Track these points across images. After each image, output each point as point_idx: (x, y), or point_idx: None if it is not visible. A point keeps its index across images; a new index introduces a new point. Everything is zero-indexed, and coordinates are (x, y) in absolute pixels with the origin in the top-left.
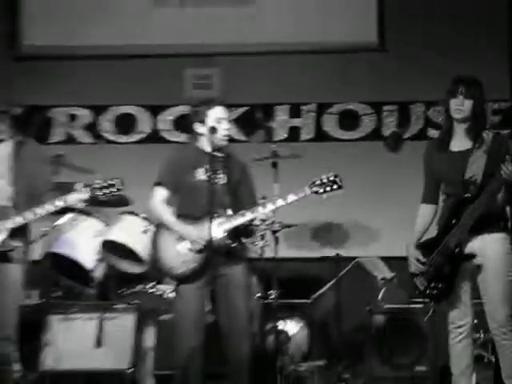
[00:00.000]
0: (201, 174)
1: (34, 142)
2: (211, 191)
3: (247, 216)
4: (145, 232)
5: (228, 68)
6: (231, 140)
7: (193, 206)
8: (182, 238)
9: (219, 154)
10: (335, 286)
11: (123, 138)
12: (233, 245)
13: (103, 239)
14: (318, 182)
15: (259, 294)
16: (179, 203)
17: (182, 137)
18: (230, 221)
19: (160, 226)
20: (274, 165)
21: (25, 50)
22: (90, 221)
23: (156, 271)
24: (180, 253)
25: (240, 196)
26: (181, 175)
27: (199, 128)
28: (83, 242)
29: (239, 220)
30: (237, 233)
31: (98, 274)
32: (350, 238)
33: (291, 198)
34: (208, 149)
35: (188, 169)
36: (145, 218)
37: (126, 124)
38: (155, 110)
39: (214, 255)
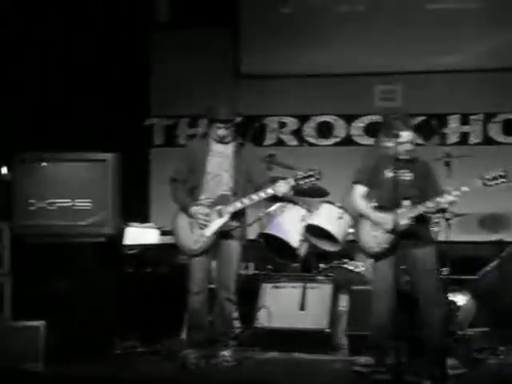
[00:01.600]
0: (388, 173)
1: (251, 145)
2: (396, 187)
3: (428, 205)
4: (340, 218)
5: (409, 84)
6: (412, 143)
7: (384, 198)
8: (376, 224)
9: (404, 157)
10: (498, 265)
11: (322, 142)
12: (412, 229)
13: (307, 223)
14: (487, 176)
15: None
16: (374, 197)
17: (370, 141)
18: (413, 210)
19: (360, 216)
20: (448, 164)
21: (246, 69)
22: (295, 208)
23: (358, 250)
24: (375, 236)
25: (425, 189)
26: (373, 175)
27: (387, 134)
28: (290, 225)
29: (420, 209)
30: (419, 219)
31: (303, 251)
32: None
33: (464, 189)
34: (394, 152)
35: (379, 169)
36: (340, 207)
37: (325, 130)
38: (349, 119)
39: (400, 238)
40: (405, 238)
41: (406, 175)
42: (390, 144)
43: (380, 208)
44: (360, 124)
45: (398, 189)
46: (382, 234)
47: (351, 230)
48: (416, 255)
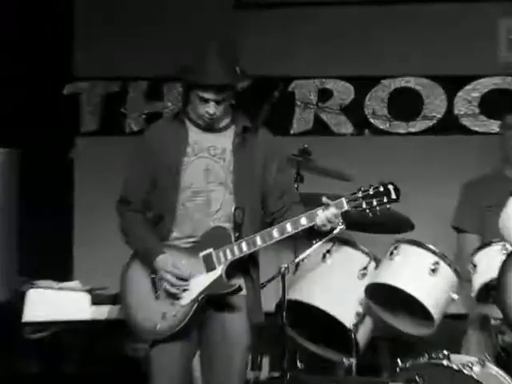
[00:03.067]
0: None
1: (267, 132)
2: None
3: None
4: (433, 272)
5: None
6: None
7: None
8: None
9: None
10: None
11: (399, 127)
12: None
13: (371, 282)
14: None
15: None
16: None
17: (493, 125)
18: None
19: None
20: None
21: None
22: (350, 253)
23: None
24: None
25: None
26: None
27: None
28: (338, 284)
29: None
30: None
31: (363, 335)
32: None
33: None
34: None
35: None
36: (434, 252)
37: (403, 105)
38: (451, 83)
39: None
40: None
41: None
42: None
43: None
44: (473, 94)
45: None
46: None
47: (455, 297)
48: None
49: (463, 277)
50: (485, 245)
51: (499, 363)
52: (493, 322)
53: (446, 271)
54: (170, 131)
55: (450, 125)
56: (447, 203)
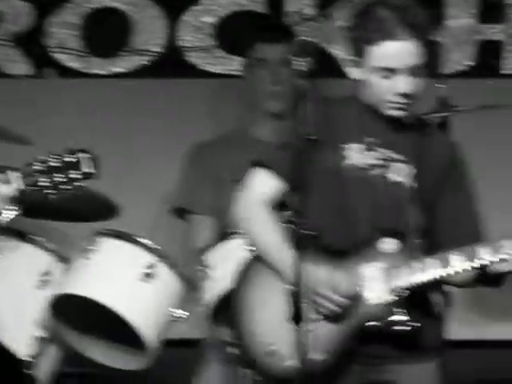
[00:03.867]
0: (351, 156)
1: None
2: (367, 198)
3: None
4: (148, 278)
5: None
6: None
7: (339, 227)
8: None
9: (394, 113)
10: None
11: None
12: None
13: (56, 294)
14: None
15: None
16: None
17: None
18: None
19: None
20: None
21: None
22: (25, 251)
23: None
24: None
25: (447, 209)
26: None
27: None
28: (7, 298)
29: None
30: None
31: (44, 370)
32: None
33: None
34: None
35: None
36: (150, 250)
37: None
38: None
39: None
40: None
41: (396, 166)
42: (371, 78)
43: (329, 252)
44: (205, 18)
45: (374, 205)
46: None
47: (180, 313)
48: (407, 381)
49: (194, 285)
50: (223, 236)
51: None
52: (229, 349)
53: (166, 277)
54: None
55: (171, 62)
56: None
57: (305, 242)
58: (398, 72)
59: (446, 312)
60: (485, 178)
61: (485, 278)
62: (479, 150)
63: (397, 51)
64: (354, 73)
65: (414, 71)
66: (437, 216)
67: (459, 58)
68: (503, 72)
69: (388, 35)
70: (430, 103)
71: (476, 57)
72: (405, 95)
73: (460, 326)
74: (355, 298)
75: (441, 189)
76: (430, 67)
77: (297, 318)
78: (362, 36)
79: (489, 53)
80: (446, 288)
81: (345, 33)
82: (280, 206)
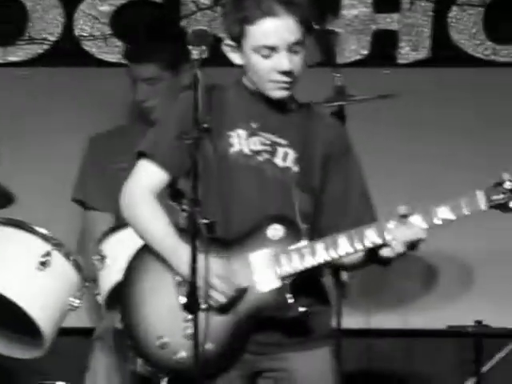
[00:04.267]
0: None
1: None
2: (251, 184)
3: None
4: (44, 266)
5: None
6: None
7: (220, 213)
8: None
9: (274, 95)
10: None
11: None
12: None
13: None
14: None
15: None
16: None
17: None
18: (299, 252)
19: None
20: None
21: None
22: None
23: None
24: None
25: (335, 194)
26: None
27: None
28: None
29: (323, 252)
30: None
31: None
32: None
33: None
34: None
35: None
36: (45, 238)
37: None
38: None
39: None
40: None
41: (281, 151)
42: (253, 58)
43: (220, 241)
44: (102, 7)
45: (256, 189)
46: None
47: (76, 302)
48: (298, 368)
49: (90, 274)
50: (117, 227)
51: None
52: (123, 339)
53: (62, 265)
54: None
55: (67, 51)
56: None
57: (200, 231)
58: (278, 50)
59: (340, 301)
60: (376, 165)
61: (375, 257)
62: (374, 138)
63: (275, 28)
64: (234, 58)
65: (294, 48)
66: (325, 201)
67: (355, 48)
68: (399, 62)
69: (266, 13)
70: (326, 92)
71: (372, 46)
72: (286, 73)
73: (348, 315)
74: (244, 287)
75: (329, 174)
76: (326, 56)
77: (191, 308)
78: (240, 16)
79: (385, 42)
80: (343, 277)
81: (223, 16)
82: (176, 195)
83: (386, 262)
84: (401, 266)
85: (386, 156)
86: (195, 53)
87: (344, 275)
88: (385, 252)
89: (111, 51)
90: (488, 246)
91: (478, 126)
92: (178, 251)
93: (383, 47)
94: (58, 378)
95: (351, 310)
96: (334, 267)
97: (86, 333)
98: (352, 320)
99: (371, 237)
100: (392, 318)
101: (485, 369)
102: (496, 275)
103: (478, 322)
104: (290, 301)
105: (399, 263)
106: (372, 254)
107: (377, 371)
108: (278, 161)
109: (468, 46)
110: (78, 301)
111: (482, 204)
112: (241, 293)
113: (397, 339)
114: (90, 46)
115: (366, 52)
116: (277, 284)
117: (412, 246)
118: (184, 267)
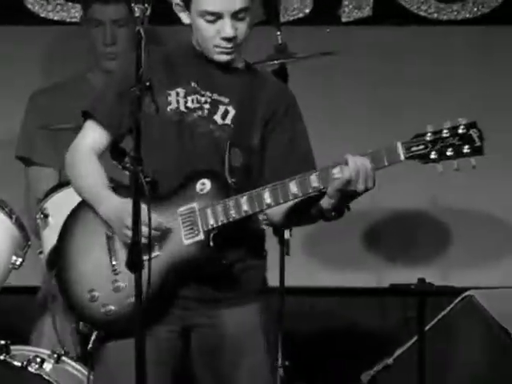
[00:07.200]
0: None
1: None
2: (191, 138)
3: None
4: None
5: None
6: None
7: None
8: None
9: (216, 57)
10: None
11: None
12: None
13: None
14: None
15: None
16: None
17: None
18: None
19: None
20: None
21: None
22: None
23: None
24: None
25: (274, 149)
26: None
27: None
28: None
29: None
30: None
31: None
32: None
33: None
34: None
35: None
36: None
37: None
38: None
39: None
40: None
41: (219, 109)
42: (198, 22)
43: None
44: None
45: (194, 144)
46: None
47: (18, 261)
48: (214, 328)
49: (33, 232)
50: (60, 185)
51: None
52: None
53: (3, 223)
54: None
55: (10, 9)
56: None
57: (142, 188)
58: (222, 16)
59: (283, 258)
60: (319, 120)
61: (316, 211)
62: (315, 95)
63: None
64: (183, 18)
65: (239, 15)
66: (268, 157)
67: (298, 5)
68: (342, 20)
69: None
70: (269, 50)
71: (314, 4)
72: (229, 39)
73: (290, 273)
74: (167, 227)
75: (271, 132)
76: (268, 14)
77: (133, 264)
78: None
79: (327, 0)
80: (285, 235)
81: None
82: (119, 153)
83: (326, 214)
84: (344, 225)
85: (331, 110)
86: (137, 10)
87: (286, 233)
88: (323, 203)
89: (55, 9)
90: (431, 204)
91: (421, 82)
92: (107, 200)
93: (326, 5)
94: (1, 337)
95: (294, 268)
96: (274, 224)
97: (29, 291)
98: (295, 278)
99: (293, 189)
100: (335, 276)
101: (428, 327)
102: (439, 234)
103: (422, 281)
104: (213, 254)
105: (343, 221)
106: (310, 206)
107: (320, 330)
108: (217, 118)
109: (411, 4)
110: (20, 259)
111: (402, 154)
112: (166, 239)
113: (340, 298)
114: (32, 4)
115: (308, 10)
116: (201, 237)
117: (345, 195)
118: (111, 215)
